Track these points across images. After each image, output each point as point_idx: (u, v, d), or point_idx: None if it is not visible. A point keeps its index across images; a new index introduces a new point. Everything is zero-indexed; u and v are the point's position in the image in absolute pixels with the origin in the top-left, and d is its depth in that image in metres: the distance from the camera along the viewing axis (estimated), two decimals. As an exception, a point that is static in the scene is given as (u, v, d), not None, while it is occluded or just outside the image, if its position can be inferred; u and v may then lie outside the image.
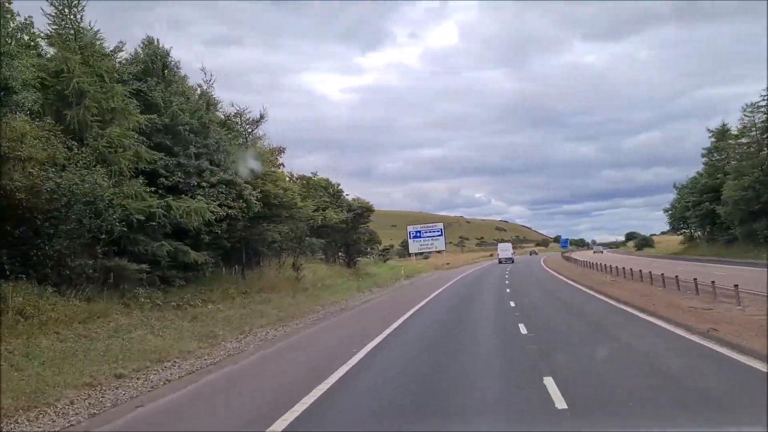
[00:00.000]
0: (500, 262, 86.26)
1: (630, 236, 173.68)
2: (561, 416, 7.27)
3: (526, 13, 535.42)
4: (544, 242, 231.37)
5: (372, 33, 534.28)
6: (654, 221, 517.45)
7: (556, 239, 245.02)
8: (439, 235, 71.46)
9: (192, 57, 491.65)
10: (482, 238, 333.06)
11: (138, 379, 10.77)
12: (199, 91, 26.93)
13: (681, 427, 6.84)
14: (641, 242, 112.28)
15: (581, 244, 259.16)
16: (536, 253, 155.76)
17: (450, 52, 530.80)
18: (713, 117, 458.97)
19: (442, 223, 72.99)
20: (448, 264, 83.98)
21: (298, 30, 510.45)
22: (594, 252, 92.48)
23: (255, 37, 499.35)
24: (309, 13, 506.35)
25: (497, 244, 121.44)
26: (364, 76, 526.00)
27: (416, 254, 77.57)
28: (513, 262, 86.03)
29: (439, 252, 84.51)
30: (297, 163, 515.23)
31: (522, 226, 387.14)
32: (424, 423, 7.50)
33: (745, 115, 51.14)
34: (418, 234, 71.89)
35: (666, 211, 71.54)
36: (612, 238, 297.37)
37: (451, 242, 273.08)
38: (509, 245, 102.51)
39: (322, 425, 7.60)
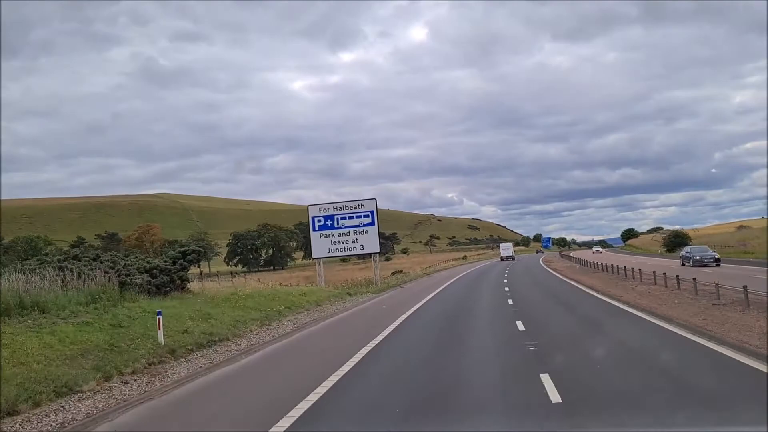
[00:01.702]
0: (502, 259, 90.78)
1: (628, 234, 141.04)
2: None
3: (495, 12, 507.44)
4: (524, 242, 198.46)
5: (341, 31, 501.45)
6: (621, 221, 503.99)
7: (536, 238, 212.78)
8: (368, 224, 36.64)
9: (156, 52, 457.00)
10: (454, 237, 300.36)
11: None
12: None
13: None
14: (674, 239, 78.47)
15: (562, 243, 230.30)
16: (542, 252, 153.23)
17: (419, 52, 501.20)
18: (677, 119, 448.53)
19: (374, 200, 37.76)
20: (397, 275, 49.86)
21: (265, 27, 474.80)
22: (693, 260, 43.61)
23: (220, 34, 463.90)
24: (276, 10, 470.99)
25: (496, 244, 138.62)
26: (333, 75, 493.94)
27: (326, 259, 42.78)
28: (514, 259, 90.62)
29: (396, 255, 50.15)
30: (266, 163, 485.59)
31: (496, 224, 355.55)
32: None
33: None
34: (327, 222, 37.01)
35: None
36: (586, 238, 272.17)
37: (420, 241, 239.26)
38: (510, 245, 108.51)
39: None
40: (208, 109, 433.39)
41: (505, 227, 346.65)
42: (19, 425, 8.24)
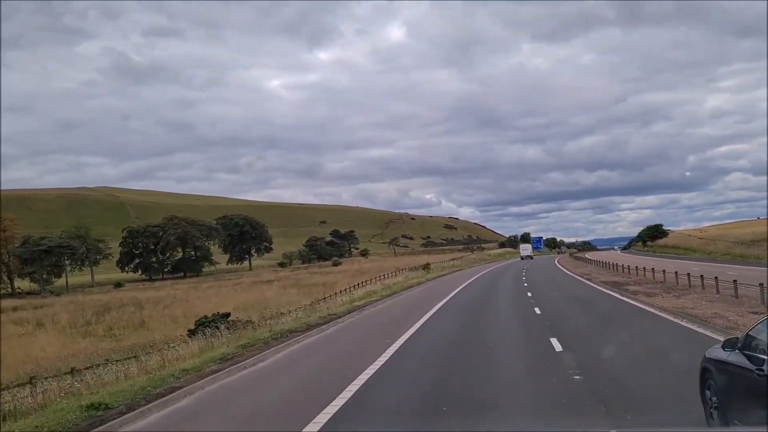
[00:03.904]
0: (522, 258, 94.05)
1: (655, 231, 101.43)
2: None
3: (474, 12, 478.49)
4: (511, 243, 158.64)
5: (319, 29, 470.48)
6: (597, 224, 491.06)
7: (524, 238, 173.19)
8: None
9: (129, 47, 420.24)
10: (428, 237, 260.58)
11: None
12: None
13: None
14: None
15: (552, 245, 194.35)
16: (561, 252, 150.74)
17: (398, 51, 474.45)
18: (652, 122, 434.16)
19: None
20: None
21: (241, 23, 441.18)
22: None
23: (196, 30, 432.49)
24: (252, 6, 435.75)
25: (476, 245, 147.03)
26: (310, 74, 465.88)
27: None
28: (532, 258, 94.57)
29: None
30: (244, 162, 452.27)
31: (475, 224, 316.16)
32: None
33: None
34: None
35: None
36: (571, 239, 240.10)
37: (384, 242, 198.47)
38: (529, 246, 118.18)
39: None
40: (183, 107, 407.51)
41: (484, 227, 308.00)
42: None
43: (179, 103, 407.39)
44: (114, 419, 8.15)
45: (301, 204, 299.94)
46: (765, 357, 5.17)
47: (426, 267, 51.64)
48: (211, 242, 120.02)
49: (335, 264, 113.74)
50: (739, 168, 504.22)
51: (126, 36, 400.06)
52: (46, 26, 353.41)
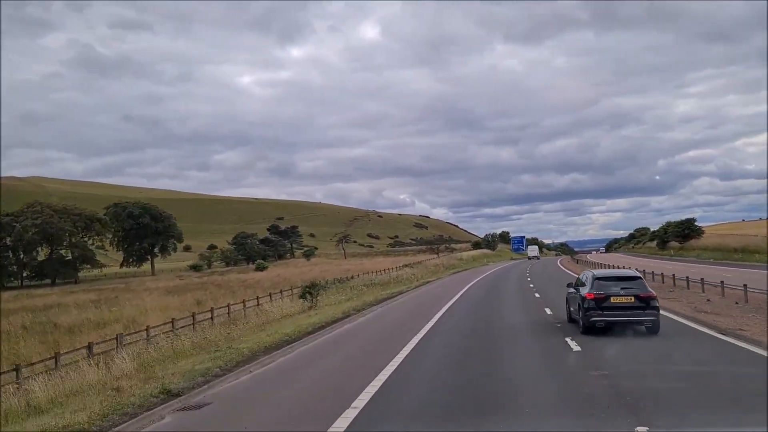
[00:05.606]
0: (529, 258, 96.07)
1: (686, 229, 74.20)
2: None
3: (448, 12, 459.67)
4: (488, 243, 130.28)
5: (290, 25, 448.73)
6: (569, 226, 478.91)
7: (503, 237, 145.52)
8: None
9: (94, 40, 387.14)
10: (396, 236, 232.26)
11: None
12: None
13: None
14: None
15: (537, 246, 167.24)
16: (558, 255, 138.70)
17: (371, 50, 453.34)
18: (623, 126, 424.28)
19: None
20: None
21: (212, 18, 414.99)
22: None
23: (165, 23, 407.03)
24: (222, 1, 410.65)
25: (446, 245, 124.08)
26: (282, 71, 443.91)
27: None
28: (539, 259, 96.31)
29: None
30: (214, 159, 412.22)
31: (447, 223, 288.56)
32: None
33: None
34: None
35: None
36: (547, 241, 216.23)
37: (354, 241, 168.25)
38: (536, 247, 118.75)
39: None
40: (152, 102, 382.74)
41: (457, 226, 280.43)
42: None
43: (148, 98, 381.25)
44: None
45: (257, 199, 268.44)
46: (579, 287, 14.90)
47: (309, 292, 22.30)
48: (98, 238, 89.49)
49: (259, 268, 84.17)
50: (707, 173, 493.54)
51: (92, 28, 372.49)
52: (8, 16, 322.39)
